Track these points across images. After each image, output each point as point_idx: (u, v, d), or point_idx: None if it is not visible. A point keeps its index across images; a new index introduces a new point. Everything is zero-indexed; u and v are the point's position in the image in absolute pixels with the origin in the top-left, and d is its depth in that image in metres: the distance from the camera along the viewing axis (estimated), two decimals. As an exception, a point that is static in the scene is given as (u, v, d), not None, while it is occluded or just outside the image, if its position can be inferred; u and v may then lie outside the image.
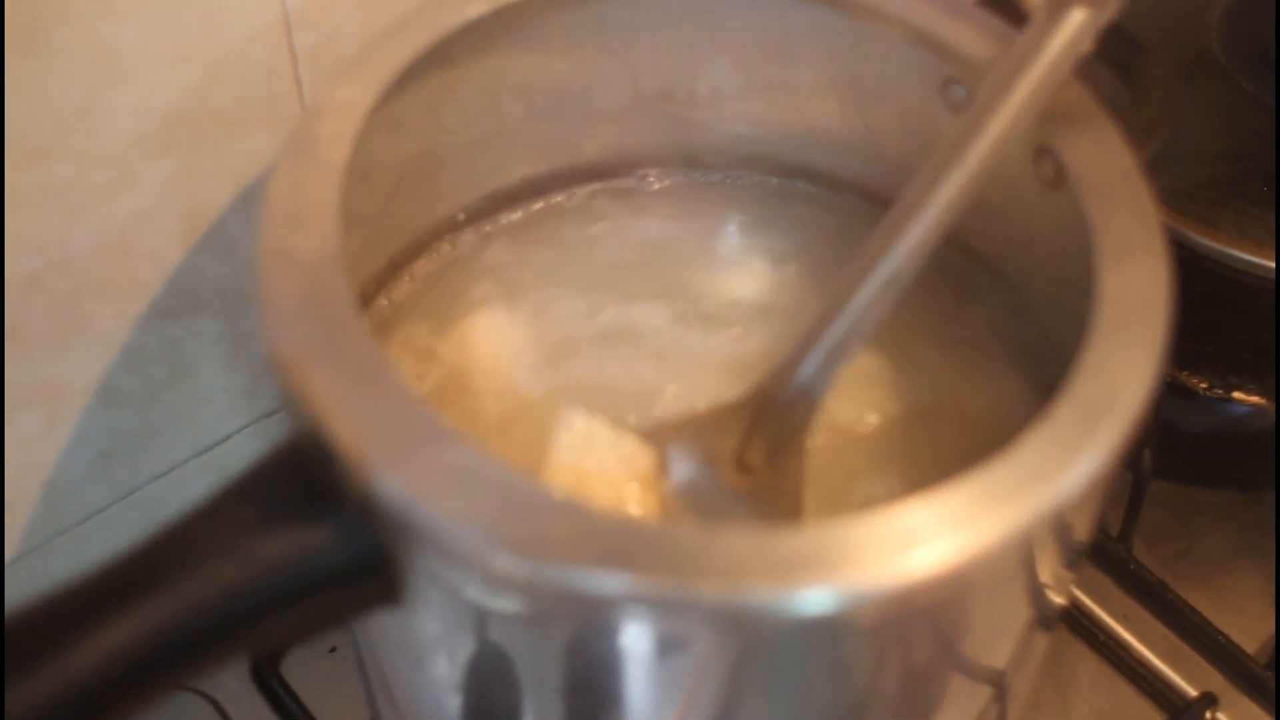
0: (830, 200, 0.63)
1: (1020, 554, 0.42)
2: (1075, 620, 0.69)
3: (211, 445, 0.66)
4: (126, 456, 0.63)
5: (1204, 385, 0.69)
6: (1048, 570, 0.45)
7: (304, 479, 0.41)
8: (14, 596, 0.41)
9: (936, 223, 0.47)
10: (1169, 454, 0.72)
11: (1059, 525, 0.42)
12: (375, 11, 0.59)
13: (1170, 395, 0.72)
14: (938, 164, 0.47)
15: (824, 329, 0.49)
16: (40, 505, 0.61)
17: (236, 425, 0.67)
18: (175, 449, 0.65)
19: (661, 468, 0.49)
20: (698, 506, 0.48)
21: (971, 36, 0.55)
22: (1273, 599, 0.69)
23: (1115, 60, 0.60)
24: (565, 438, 0.49)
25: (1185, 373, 0.69)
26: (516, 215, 0.63)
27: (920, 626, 0.42)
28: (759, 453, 0.50)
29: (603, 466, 0.48)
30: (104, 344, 0.59)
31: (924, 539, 0.39)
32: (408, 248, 0.60)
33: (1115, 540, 0.68)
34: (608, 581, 0.38)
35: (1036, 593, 0.46)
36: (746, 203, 0.64)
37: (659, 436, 0.50)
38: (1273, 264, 0.62)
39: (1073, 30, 0.47)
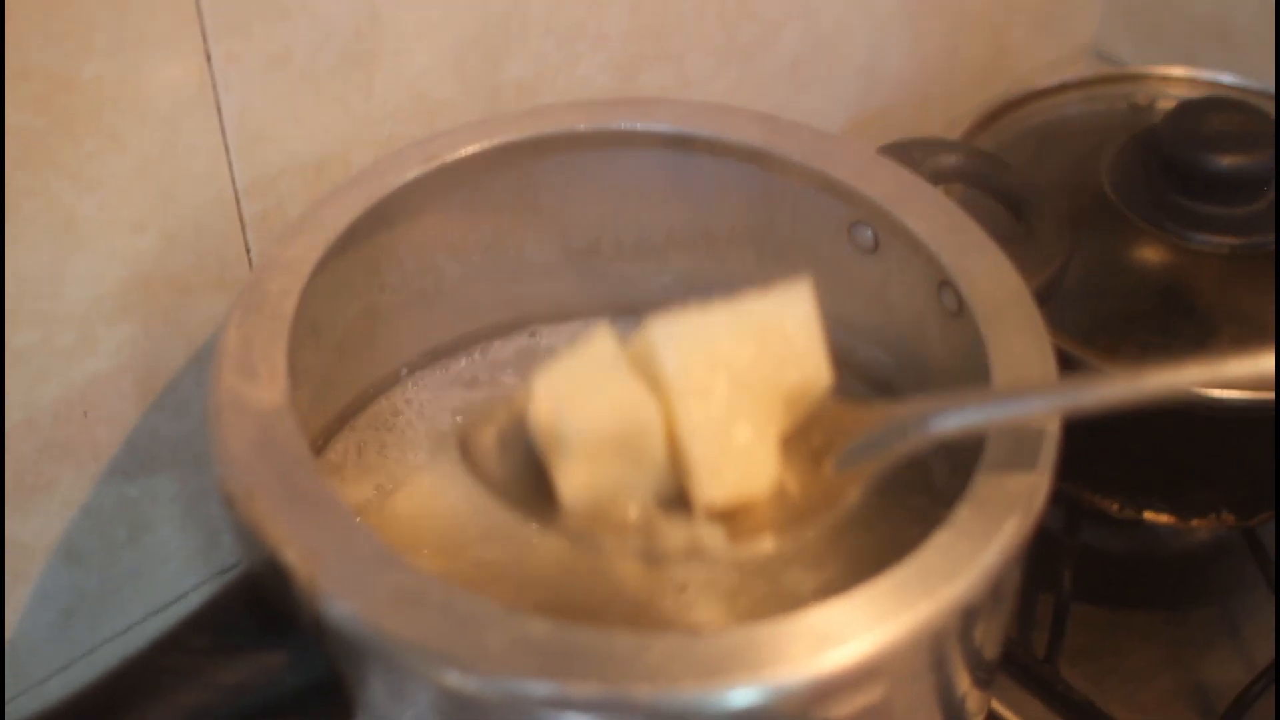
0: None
1: (931, 649, 0.44)
2: (1005, 742, 0.70)
3: (168, 603, 0.67)
4: (86, 615, 0.64)
5: (1115, 506, 0.72)
6: (962, 677, 0.48)
7: (259, 606, 0.43)
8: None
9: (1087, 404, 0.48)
10: (1089, 576, 0.74)
11: (966, 620, 0.44)
12: (319, 180, 0.62)
13: (1085, 518, 0.74)
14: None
15: (987, 402, 0.49)
16: (3, 664, 0.62)
17: (192, 583, 0.68)
18: (133, 607, 0.66)
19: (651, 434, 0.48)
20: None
21: (874, 181, 0.58)
22: (1198, 712, 0.71)
23: (1007, 198, 0.63)
24: (586, 348, 0.49)
25: (1097, 495, 0.72)
26: (456, 367, 0.65)
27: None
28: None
29: (600, 394, 0.48)
30: (64, 504, 0.60)
31: (839, 637, 0.41)
32: (353, 402, 0.63)
33: (1042, 662, 0.70)
34: (547, 690, 0.40)
35: (954, 705, 0.48)
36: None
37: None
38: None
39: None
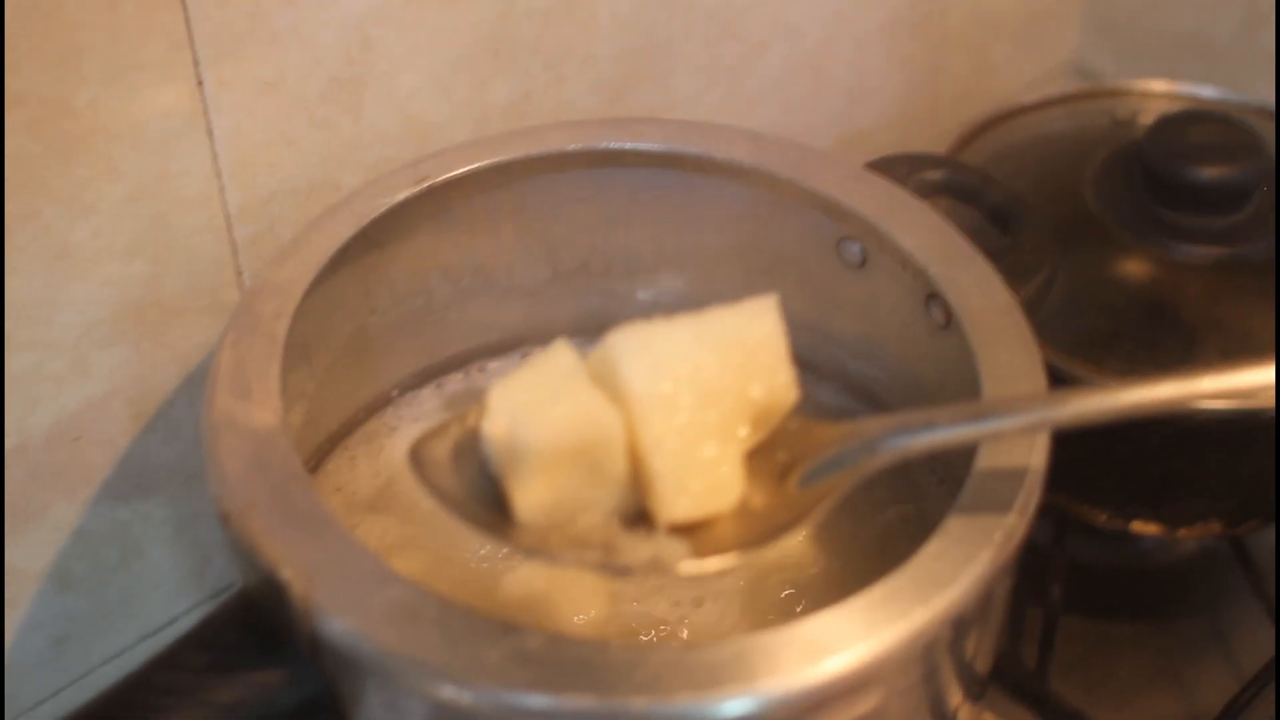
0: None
1: (924, 658, 0.44)
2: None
3: (161, 627, 0.67)
4: (78, 640, 0.64)
5: (1102, 518, 0.72)
6: (954, 690, 0.48)
7: (255, 625, 0.44)
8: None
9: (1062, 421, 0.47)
10: (1077, 588, 0.74)
11: (959, 630, 0.44)
12: (310, 203, 0.62)
13: (1072, 530, 0.75)
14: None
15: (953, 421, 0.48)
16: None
17: (185, 607, 0.68)
18: (125, 632, 0.66)
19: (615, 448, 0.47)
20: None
21: (862, 196, 0.59)
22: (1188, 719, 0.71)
23: (993, 210, 0.64)
24: (544, 361, 0.48)
25: (1084, 506, 0.72)
26: (449, 387, 0.66)
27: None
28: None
29: (558, 406, 0.46)
30: (56, 528, 0.60)
31: (832, 647, 0.41)
32: (346, 423, 0.63)
33: (1032, 674, 0.70)
34: (544, 703, 0.40)
35: (946, 718, 0.49)
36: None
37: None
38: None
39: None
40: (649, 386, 0.46)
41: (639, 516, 0.48)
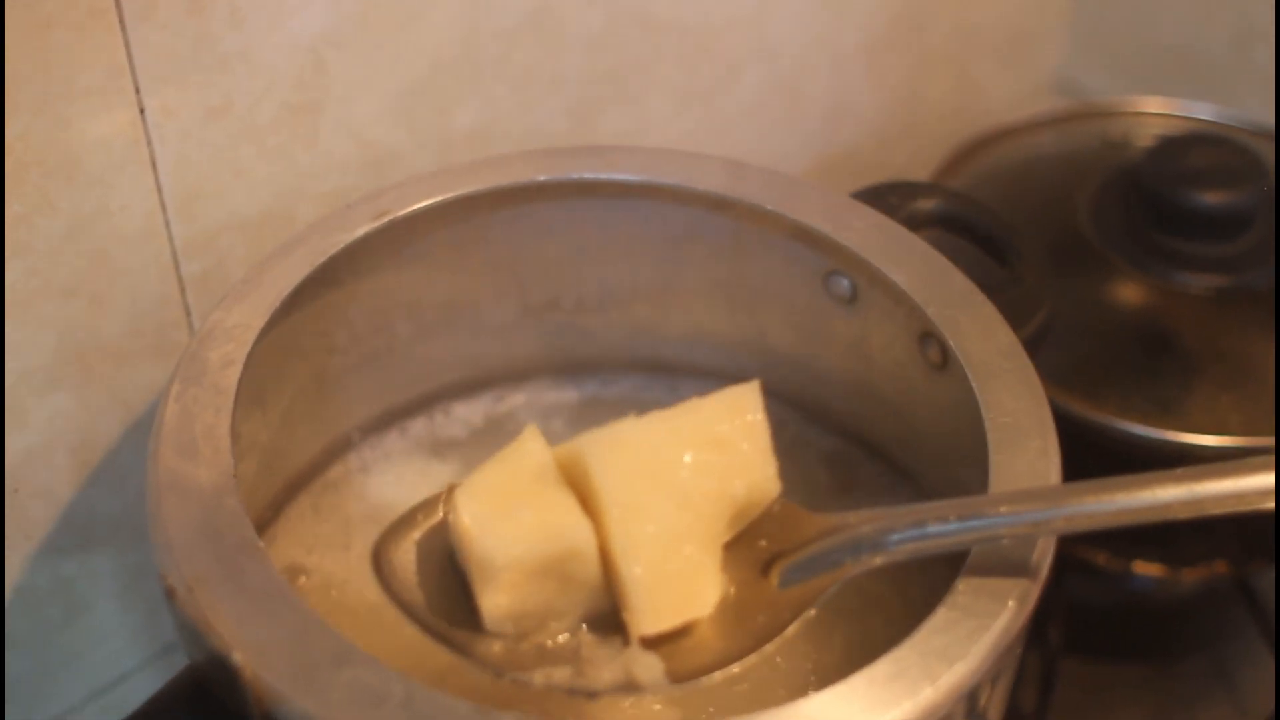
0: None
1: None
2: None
3: (109, 685, 0.65)
4: (21, 701, 0.62)
5: (1102, 558, 0.71)
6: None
7: (205, 706, 0.41)
8: None
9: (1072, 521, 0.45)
10: (1076, 630, 0.72)
11: (969, 703, 0.42)
12: (262, 237, 0.60)
13: (1071, 570, 0.73)
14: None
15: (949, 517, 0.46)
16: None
17: (134, 663, 0.66)
18: (73, 690, 0.64)
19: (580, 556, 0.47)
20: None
21: (850, 228, 0.56)
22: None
23: (989, 242, 0.62)
24: (513, 457, 0.48)
25: (1084, 545, 0.70)
26: (414, 429, 0.63)
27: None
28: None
29: (529, 513, 0.46)
30: (-4, 585, 0.58)
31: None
32: (304, 469, 0.60)
33: (1031, 719, 0.69)
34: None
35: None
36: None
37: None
38: (1158, 433, 0.64)
39: None
40: (622, 493, 0.46)
41: (613, 619, 0.47)
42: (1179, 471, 0.43)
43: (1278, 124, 0.79)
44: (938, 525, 0.45)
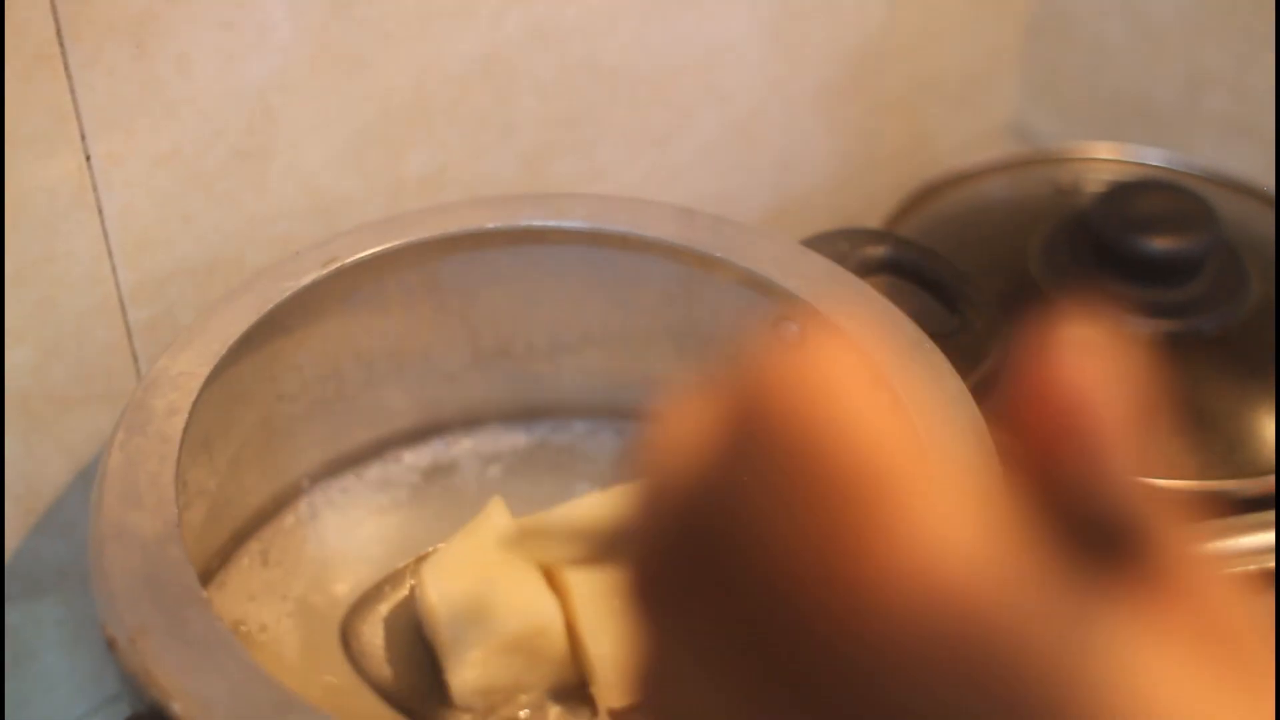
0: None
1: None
2: None
3: None
4: None
5: None
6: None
7: (146, 761, 0.40)
8: None
9: None
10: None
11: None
12: (210, 283, 0.59)
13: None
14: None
15: None
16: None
17: (82, 711, 0.65)
18: None
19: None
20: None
21: (800, 276, 0.56)
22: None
23: (938, 289, 0.62)
24: (479, 532, 0.49)
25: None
26: (367, 475, 0.63)
27: None
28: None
29: (496, 591, 0.47)
30: (-62, 635, 0.57)
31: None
32: (252, 517, 0.59)
33: None
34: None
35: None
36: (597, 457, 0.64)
37: None
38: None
39: None
40: (587, 569, 0.46)
41: (580, 691, 0.48)
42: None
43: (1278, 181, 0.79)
44: None
